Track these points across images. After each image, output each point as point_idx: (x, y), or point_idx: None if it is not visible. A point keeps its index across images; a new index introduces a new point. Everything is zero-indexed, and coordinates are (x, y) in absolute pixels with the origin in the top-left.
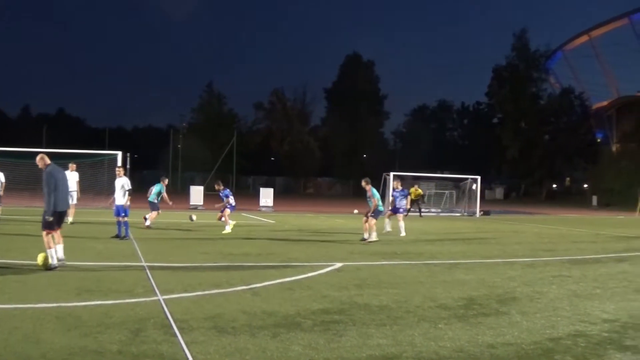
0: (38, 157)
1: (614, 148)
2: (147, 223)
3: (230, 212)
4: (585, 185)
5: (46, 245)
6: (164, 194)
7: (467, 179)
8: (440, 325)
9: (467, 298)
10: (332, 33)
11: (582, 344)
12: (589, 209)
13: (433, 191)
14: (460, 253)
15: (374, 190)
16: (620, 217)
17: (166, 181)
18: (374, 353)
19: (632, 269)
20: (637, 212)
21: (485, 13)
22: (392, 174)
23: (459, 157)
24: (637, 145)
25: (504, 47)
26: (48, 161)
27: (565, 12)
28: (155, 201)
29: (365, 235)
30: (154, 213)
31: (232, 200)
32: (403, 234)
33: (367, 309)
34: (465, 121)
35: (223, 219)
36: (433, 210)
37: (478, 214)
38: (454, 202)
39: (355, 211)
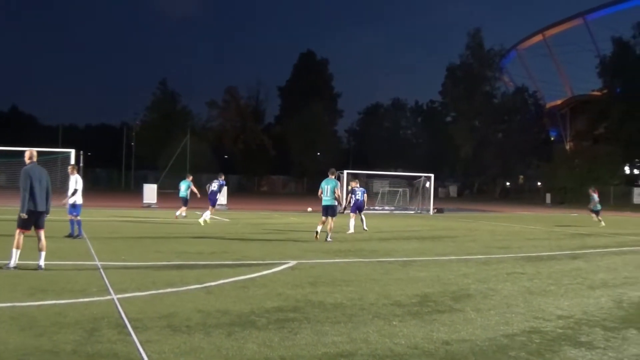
0: (27, 152)
1: (567, 146)
2: (183, 214)
3: (212, 206)
4: (539, 183)
5: (15, 244)
6: (192, 188)
7: (420, 177)
8: (394, 322)
9: (422, 295)
10: (286, 31)
11: (536, 340)
12: (542, 207)
13: (387, 189)
14: (414, 250)
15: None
16: (574, 214)
17: (191, 177)
18: (329, 351)
19: (586, 266)
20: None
21: (440, 12)
22: (345, 172)
23: (413, 155)
24: (590, 144)
25: (459, 46)
26: (33, 159)
27: (520, 11)
28: (187, 197)
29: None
30: (184, 208)
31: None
32: (351, 231)
33: (322, 306)
34: (419, 120)
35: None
36: (387, 208)
37: (432, 212)
38: (408, 200)
39: (309, 209)
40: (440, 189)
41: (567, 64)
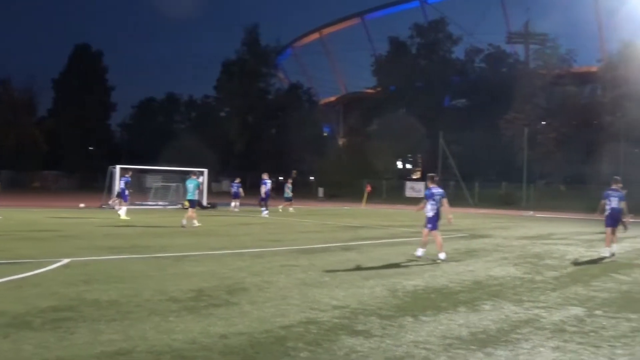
0: None
1: (340, 142)
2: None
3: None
4: (312, 178)
5: None
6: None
7: (193, 171)
8: (171, 318)
9: (197, 290)
10: (61, 22)
11: (313, 331)
12: (315, 200)
13: (160, 184)
14: (188, 245)
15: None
16: (347, 207)
17: (201, 178)
18: (106, 349)
19: (359, 257)
20: (363, 203)
21: (217, 7)
22: (118, 166)
23: (186, 150)
24: (362, 139)
25: (235, 42)
26: None
27: (298, 9)
28: (196, 197)
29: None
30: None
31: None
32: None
33: (97, 304)
34: (193, 114)
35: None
36: (160, 203)
37: (205, 206)
38: (181, 195)
39: (82, 205)
40: (213, 184)
41: (342, 62)
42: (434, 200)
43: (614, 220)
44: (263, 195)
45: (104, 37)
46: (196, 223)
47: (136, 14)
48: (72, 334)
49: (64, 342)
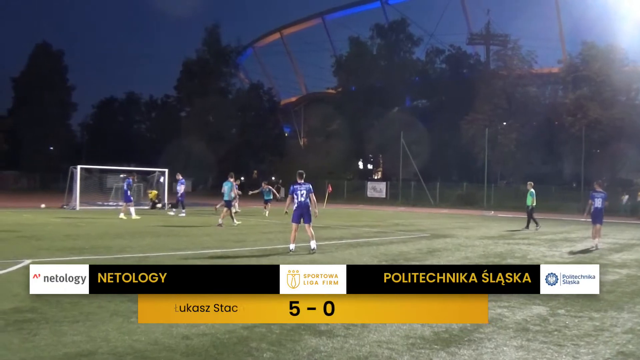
0: None
1: (301, 142)
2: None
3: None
4: (273, 178)
5: None
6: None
7: (154, 171)
8: (132, 320)
9: None
10: (22, 21)
11: (276, 331)
12: (276, 201)
13: (120, 184)
14: (149, 246)
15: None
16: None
17: (232, 179)
18: (69, 351)
19: (321, 258)
20: (324, 203)
21: (178, 6)
22: (79, 167)
23: (147, 150)
24: (322, 140)
25: (196, 41)
26: None
27: (259, 9)
28: (231, 198)
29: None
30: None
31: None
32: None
33: (59, 306)
34: (153, 114)
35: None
36: (121, 203)
37: (166, 207)
38: (142, 195)
39: (43, 205)
40: (174, 184)
41: (303, 62)
42: (296, 195)
43: (598, 217)
44: (179, 195)
45: (64, 36)
46: (235, 222)
47: (97, 13)
48: (35, 336)
49: (27, 344)
